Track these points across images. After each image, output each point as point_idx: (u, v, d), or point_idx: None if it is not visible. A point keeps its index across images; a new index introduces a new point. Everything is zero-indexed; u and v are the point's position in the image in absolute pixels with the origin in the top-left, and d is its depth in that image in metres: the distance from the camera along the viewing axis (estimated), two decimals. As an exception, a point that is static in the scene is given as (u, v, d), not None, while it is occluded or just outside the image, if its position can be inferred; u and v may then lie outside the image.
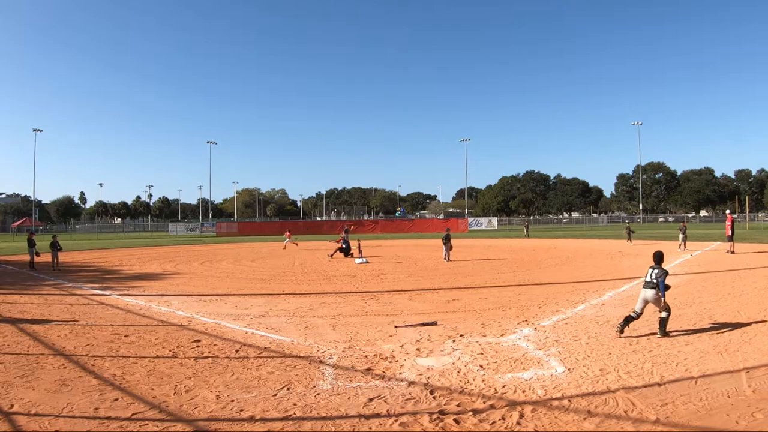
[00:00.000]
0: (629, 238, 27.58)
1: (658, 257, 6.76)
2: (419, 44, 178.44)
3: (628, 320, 6.67)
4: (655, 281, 6.53)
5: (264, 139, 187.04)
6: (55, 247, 18.68)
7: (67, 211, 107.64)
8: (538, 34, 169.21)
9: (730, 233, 19.92)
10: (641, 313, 6.73)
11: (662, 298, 6.51)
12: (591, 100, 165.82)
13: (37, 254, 19.37)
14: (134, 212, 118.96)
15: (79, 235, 63.21)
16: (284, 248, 28.55)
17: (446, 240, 19.37)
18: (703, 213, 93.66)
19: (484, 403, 4.47)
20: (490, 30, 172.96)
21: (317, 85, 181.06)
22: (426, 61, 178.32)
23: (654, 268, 6.64)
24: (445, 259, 19.10)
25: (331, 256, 21.39)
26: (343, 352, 6.28)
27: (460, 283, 13.06)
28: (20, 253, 24.98)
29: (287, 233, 30.41)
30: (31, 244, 19.32)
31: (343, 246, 21.56)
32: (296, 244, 30.64)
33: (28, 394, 4.80)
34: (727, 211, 24.11)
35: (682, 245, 22.11)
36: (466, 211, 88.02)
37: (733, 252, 19.22)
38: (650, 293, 6.56)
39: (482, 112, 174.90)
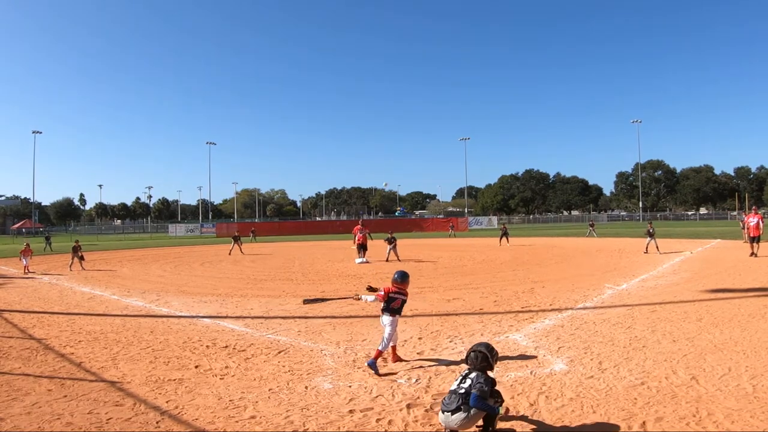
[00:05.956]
0: (592, 235, 27.49)
1: None
2: (418, 44, 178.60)
3: None
4: None
5: (264, 139, 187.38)
6: (76, 252, 19.14)
7: (66, 212, 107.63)
8: (537, 34, 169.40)
9: (758, 233, 17.05)
10: None
11: None
12: (590, 98, 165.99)
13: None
14: (134, 213, 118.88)
15: (79, 236, 62.97)
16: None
17: (391, 241, 19.99)
18: (702, 210, 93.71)
19: (484, 401, 4.46)
20: (490, 30, 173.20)
21: (317, 85, 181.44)
22: (425, 61, 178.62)
23: None
24: (386, 259, 19.39)
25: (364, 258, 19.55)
26: (344, 352, 6.28)
27: (460, 282, 13.05)
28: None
29: None
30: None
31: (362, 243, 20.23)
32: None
33: (27, 395, 4.80)
34: (754, 207, 21.21)
35: (649, 248, 19.78)
36: (466, 210, 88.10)
37: (755, 255, 16.38)
38: None
39: (482, 111, 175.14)
